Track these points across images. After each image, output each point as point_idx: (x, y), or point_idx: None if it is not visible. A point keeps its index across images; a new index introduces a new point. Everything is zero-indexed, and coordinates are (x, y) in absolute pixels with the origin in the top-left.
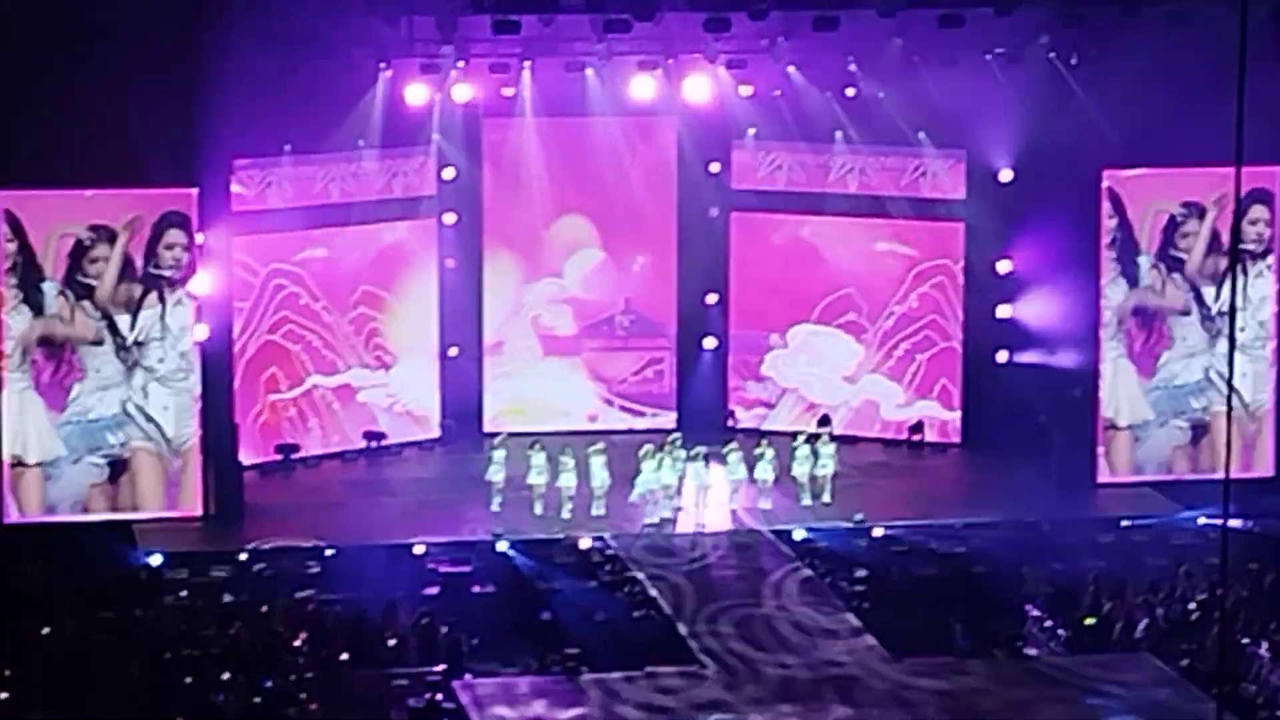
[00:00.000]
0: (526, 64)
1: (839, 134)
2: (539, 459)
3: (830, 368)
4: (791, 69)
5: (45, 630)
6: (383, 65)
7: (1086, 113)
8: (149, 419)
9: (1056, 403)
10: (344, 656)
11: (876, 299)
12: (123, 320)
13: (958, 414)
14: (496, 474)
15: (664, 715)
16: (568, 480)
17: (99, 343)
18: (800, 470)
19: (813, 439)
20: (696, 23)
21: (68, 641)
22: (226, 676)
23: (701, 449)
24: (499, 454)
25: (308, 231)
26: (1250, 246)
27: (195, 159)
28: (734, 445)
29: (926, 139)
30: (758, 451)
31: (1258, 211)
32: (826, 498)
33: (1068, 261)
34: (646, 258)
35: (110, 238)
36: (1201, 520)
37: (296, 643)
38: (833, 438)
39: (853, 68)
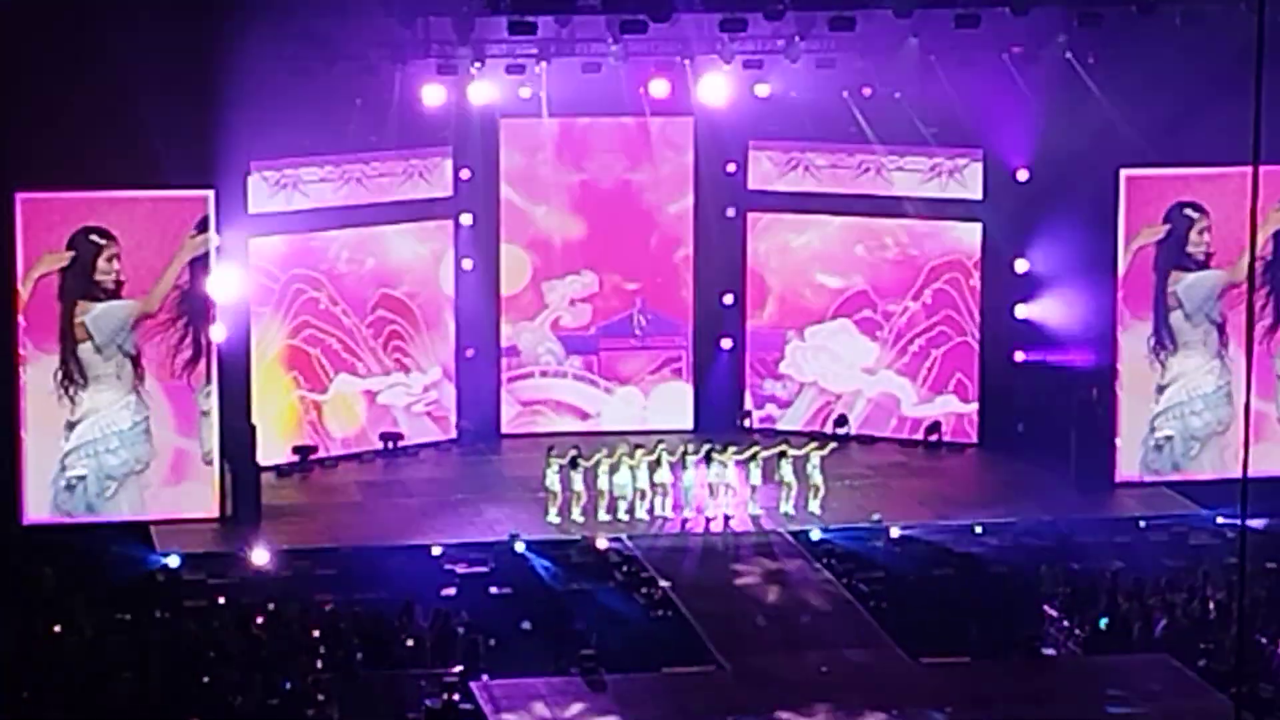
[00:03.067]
0: (543, 65)
1: (855, 134)
2: (578, 464)
3: (848, 364)
4: (808, 69)
5: (62, 631)
6: (399, 67)
7: (1103, 112)
8: (168, 421)
9: (1074, 403)
10: (361, 658)
11: (891, 297)
12: (139, 321)
13: (974, 406)
14: (554, 483)
15: (682, 716)
16: (605, 483)
17: (117, 344)
18: (787, 476)
19: (796, 448)
20: (713, 23)
21: (84, 643)
22: (243, 678)
23: (711, 447)
24: (549, 463)
25: (325, 234)
26: None
27: (212, 162)
28: (753, 446)
29: (943, 138)
30: (775, 452)
31: None
32: (815, 507)
33: (1085, 261)
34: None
35: (126, 240)
36: (1219, 520)
37: (314, 644)
38: (847, 437)
39: (869, 67)
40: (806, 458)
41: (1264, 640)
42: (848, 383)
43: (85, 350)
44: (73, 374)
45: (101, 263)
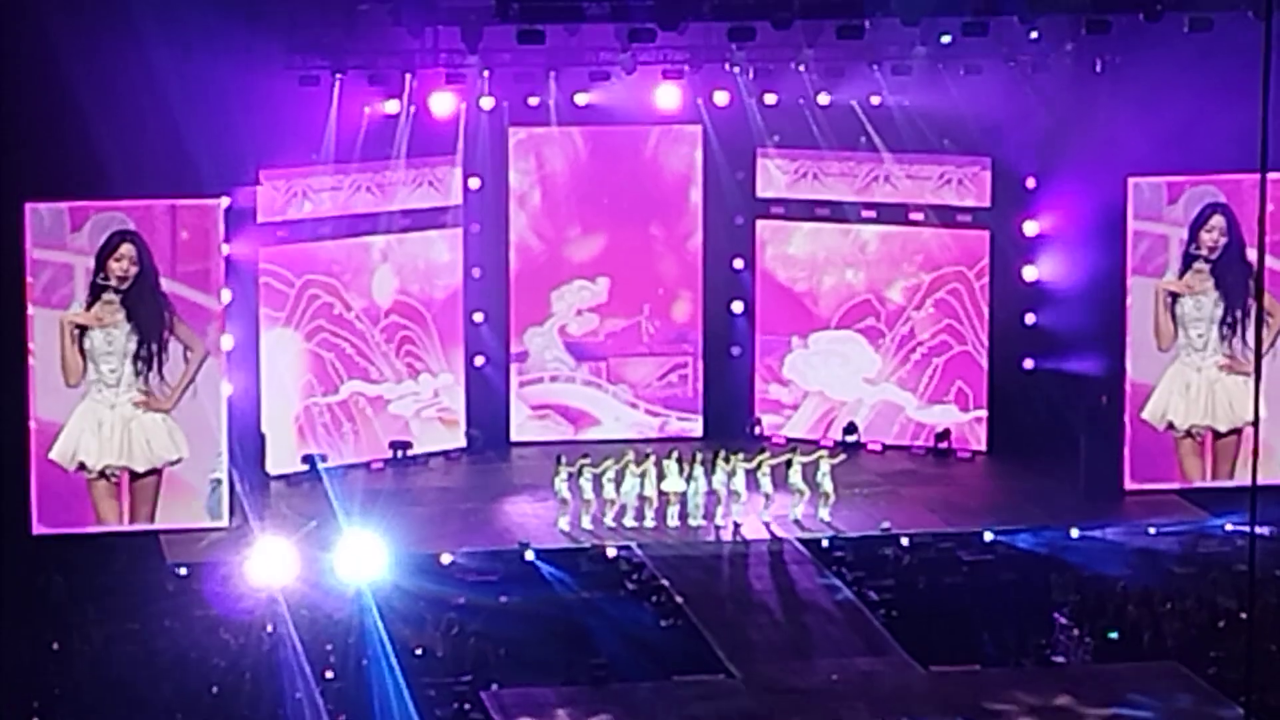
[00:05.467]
0: (552, 73)
1: (863, 142)
2: (587, 472)
3: (852, 370)
4: (817, 77)
5: (71, 641)
6: (408, 75)
7: (1111, 119)
8: (176, 429)
9: (1083, 410)
10: (369, 666)
11: (896, 305)
12: (151, 329)
13: (973, 415)
14: (564, 491)
15: None
16: (614, 492)
17: (129, 351)
18: (796, 484)
19: (805, 456)
20: (721, 32)
21: (93, 652)
22: (253, 688)
23: (720, 455)
24: (559, 472)
25: (334, 242)
26: None
27: (222, 170)
28: (762, 454)
29: (951, 146)
30: (784, 460)
31: None
32: (825, 514)
33: (1094, 268)
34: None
35: (138, 247)
36: (1228, 527)
37: (324, 653)
38: (856, 445)
39: (877, 75)
40: (816, 465)
41: (1275, 648)
42: (851, 391)
43: (93, 357)
44: (79, 380)
45: (113, 264)
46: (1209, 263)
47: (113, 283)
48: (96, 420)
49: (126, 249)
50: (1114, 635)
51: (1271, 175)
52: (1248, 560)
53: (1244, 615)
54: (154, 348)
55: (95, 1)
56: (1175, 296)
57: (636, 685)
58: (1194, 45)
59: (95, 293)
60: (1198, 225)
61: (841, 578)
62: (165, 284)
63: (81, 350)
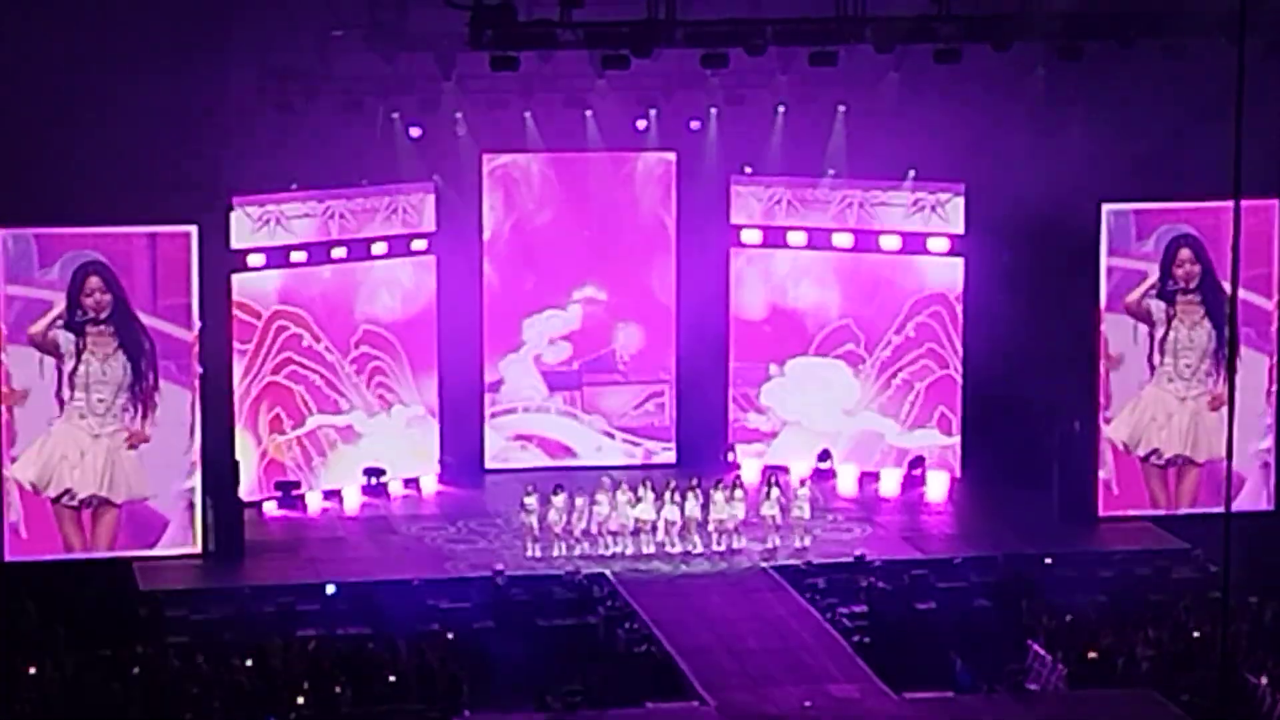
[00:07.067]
0: (525, 100)
1: (836, 168)
2: (560, 500)
3: (830, 398)
4: (790, 103)
5: (43, 667)
6: (382, 102)
7: (1085, 146)
8: (154, 459)
9: (1056, 436)
10: (344, 693)
11: (874, 331)
12: (121, 356)
13: (956, 439)
14: (531, 518)
15: None
16: (587, 519)
17: (121, 381)
18: (770, 511)
19: (779, 483)
20: (694, 59)
21: (66, 679)
22: (226, 715)
23: (694, 482)
24: (531, 500)
25: (307, 269)
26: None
27: (194, 197)
28: (736, 481)
29: (925, 173)
30: (758, 487)
31: None
32: (798, 541)
33: (1068, 294)
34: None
35: (108, 275)
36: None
37: (296, 680)
38: (830, 472)
39: (846, 105)
40: (791, 492)
41: (1247, 675)
42: (830, 420)
43: (84, 386)
44: (53, 406)
45: (86, 300)
46: (1195, 293)
47: (90, 315)
48: (79, 449)
49: (94, 281)
50: (1092, 656)
51: (1244, 201)
52: (1220, 587)
53: (1217, 641)
54: (139, 376)
55: (65, 27)
56: (1159, 323)
57: (607, 713)
58: (1167, 73)
59: (80, 328)
60: (1169, 261)
61: (815, 604)
62: (140, 311)
63: (71, 378)
